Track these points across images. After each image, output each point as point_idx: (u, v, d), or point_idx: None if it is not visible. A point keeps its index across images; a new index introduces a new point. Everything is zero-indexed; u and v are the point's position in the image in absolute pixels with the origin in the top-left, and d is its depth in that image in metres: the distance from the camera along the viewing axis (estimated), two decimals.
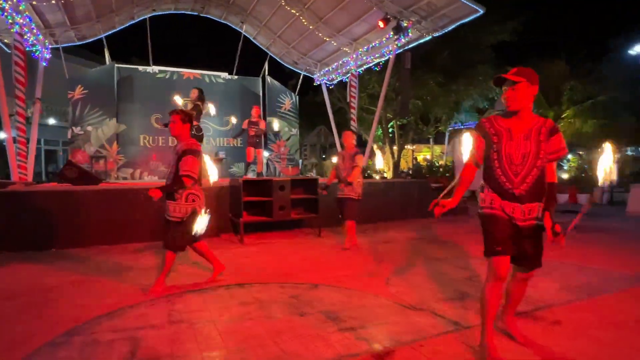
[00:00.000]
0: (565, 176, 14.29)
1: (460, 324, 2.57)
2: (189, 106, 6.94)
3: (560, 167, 16.18)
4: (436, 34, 9.02)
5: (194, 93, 6.97)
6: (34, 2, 7.87)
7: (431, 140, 22.52)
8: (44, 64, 9.05)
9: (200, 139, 6.76)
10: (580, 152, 16.21)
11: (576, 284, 3.47)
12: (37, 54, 8.78)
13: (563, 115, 16.00)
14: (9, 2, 7.13)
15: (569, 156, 17.23)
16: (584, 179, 13.12)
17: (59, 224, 5.08)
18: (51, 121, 19.24)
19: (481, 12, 8.06)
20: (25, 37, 7.87)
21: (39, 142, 18.08)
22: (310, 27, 10.36)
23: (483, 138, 2.21)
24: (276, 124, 11.58)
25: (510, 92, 2.11)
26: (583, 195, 12.34)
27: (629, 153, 15.69)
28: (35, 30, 8.39)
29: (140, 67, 11.16)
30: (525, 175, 2.09)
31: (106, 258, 4.60)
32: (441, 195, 2.42)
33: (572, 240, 5.74)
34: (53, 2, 8.00)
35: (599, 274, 3.86)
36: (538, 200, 2.12)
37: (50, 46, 9.36)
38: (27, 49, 8.13)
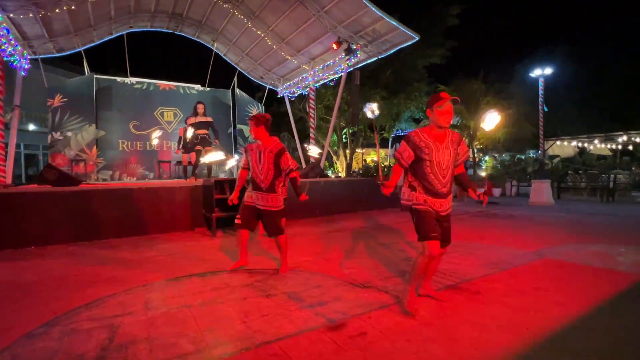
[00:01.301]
0: (483, 174, 15.17)
1: (400, 297, 2.65)
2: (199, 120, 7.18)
3: (479, 166, 17.16)
4: (380, 56, 9.23)
5: (202, 108, 7.33)
6: (11, 15, 7.15)
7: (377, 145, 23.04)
8: (23, 73, 8.25)
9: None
10: (495, 155, 17.26)
11: (492, 261, 3.67)
12: (15, 64, 7.97)
13: (481, 125, 16.93)
14: None
15: (486, 157, 18.30)
16: (497, 176, 13.98)
17: (37, 223, 4.64)
18: (31, 127, 17.65)
19: (416, 38, 8.35)
20: (3, 47, 7.11)
21: (19, 146, 16.57)
22: (274, 46, 10.23)
23: (412, 150, 2.32)
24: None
25: (451, 110, 2.26)
26: (497, 188, 13.14)
27: (531, 155, 16.86)
28: (13, 42, 7.61)
29: (119, 78, 10.49)
30: (448, 177, 2.34)
31: (84, 253, 4.28)
32: (381, 180, 2.55)
33: (488, 225, 6.12)
34: (31, 15, 7.30)
35: (509, 252, 4.10)
36: (450, 194, 2.40)
37: (28, 57, 8.54)
38: (5, 59, 7.36)
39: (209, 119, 7.47)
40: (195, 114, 7.28)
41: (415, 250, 4.09)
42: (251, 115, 3.42)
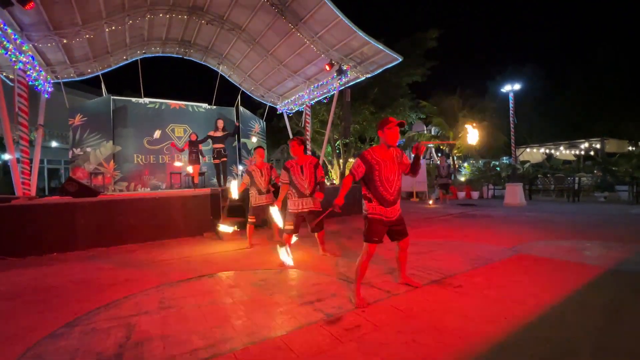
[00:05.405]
0: (462, 179, 15.23)
1: (390, 292, 2.64)
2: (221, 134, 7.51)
3: (459, 172, 17.26)
4: (368, 76, 9.31)
5: (222, 123, 7.67)
6: (36, 44, 7.14)
7: None
8: (47, 96, 8.21)
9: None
10: (472, 161, 17.35)
11: (472, 257, 3.67)
12: (39, 87, 7.93)
13: (459, 135, 17.09)
14: (13, 43, 6.42)
15: (465, 164, 18.42)
16: (474, 181, 14.05)
17: (59, 231, 4.59)
18: (54, 144, 17.51)
19: (400, 60, 8.44)
20: (28, 73, 7.08)
21: (42, 161, 16.42)
22: (273, 68, 10.31)
23: (365, 166, 2.47)
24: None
25: (397, 132, 2.45)
26: (475, 192, 13.19)
27: (504, 161, 17.00)
28: (37, 68, 7.59)
29: (133, 99, 10.46)
30: (395, 187, 2.50)
31: (103, 258, 4.22)
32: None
33: (468, 225, 6.13)
34: (53, 44, 7.30)
35: (488, 248, 4.10)
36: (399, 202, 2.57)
37: (52, 81, 8.51)
38: (30, 83, 7.33)
39: (226, 132, 7.75)
40: (216, 128, 7.58)
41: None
42: (296, 137, 3.79)
